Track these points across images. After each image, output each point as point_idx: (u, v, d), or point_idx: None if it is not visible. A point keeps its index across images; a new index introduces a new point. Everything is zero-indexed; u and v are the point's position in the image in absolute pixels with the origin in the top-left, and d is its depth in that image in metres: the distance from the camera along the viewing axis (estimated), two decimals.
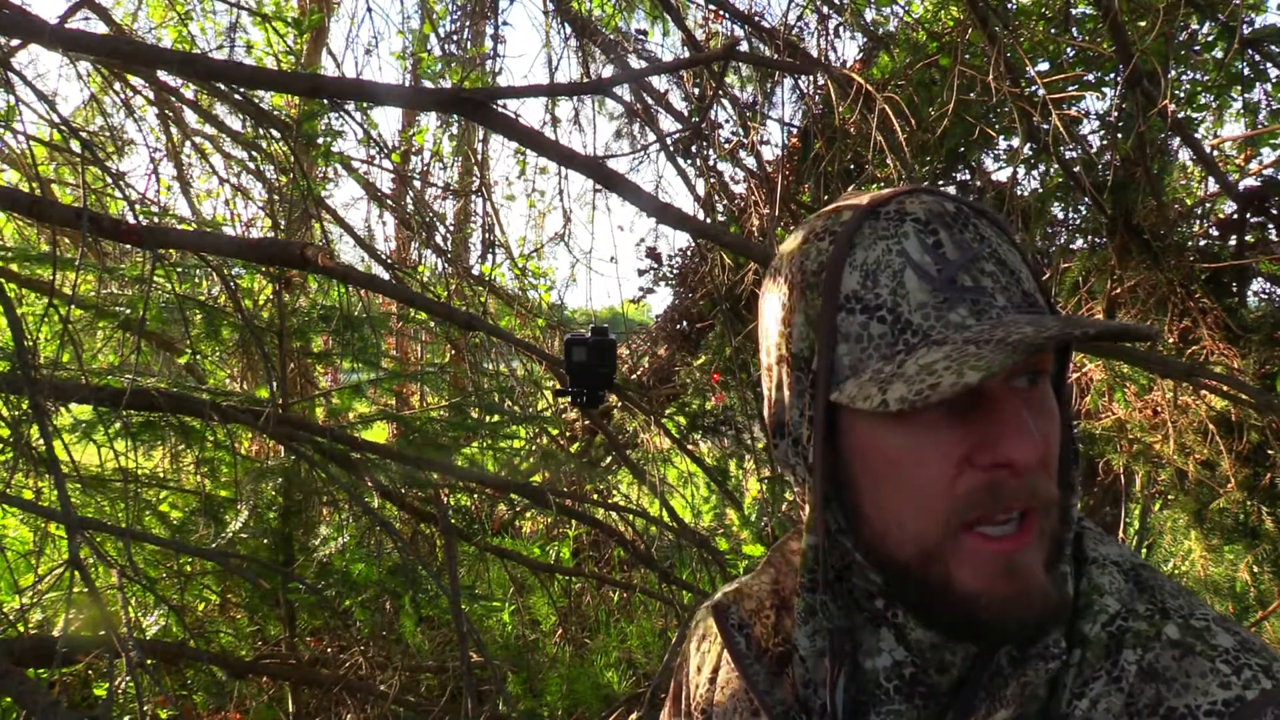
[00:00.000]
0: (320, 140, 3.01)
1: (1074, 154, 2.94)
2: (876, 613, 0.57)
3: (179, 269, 2.67)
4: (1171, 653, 0.50)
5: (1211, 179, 3.06)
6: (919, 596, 0.53)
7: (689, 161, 3.90)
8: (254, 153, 3.57)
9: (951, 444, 0.51)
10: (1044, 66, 3.05)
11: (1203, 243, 3.12)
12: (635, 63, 4.16)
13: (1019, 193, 3.33)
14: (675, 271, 4.59)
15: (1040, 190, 3.40)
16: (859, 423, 0.54)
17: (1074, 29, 3.11)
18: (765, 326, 0.62)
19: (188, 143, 3.87)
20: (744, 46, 3.36)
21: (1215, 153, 3.18)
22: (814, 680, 0.59)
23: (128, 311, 2.47)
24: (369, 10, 13.48)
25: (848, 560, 0.57)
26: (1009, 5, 3.20)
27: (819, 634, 0.59)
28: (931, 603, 0.53)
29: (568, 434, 4.46)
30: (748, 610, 0.66)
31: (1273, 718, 0.47)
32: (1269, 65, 2.85)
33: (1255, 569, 2.76)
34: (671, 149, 3.68)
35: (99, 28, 3.32)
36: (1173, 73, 2.77)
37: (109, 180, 2.62)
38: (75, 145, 2.47)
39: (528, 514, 4.59)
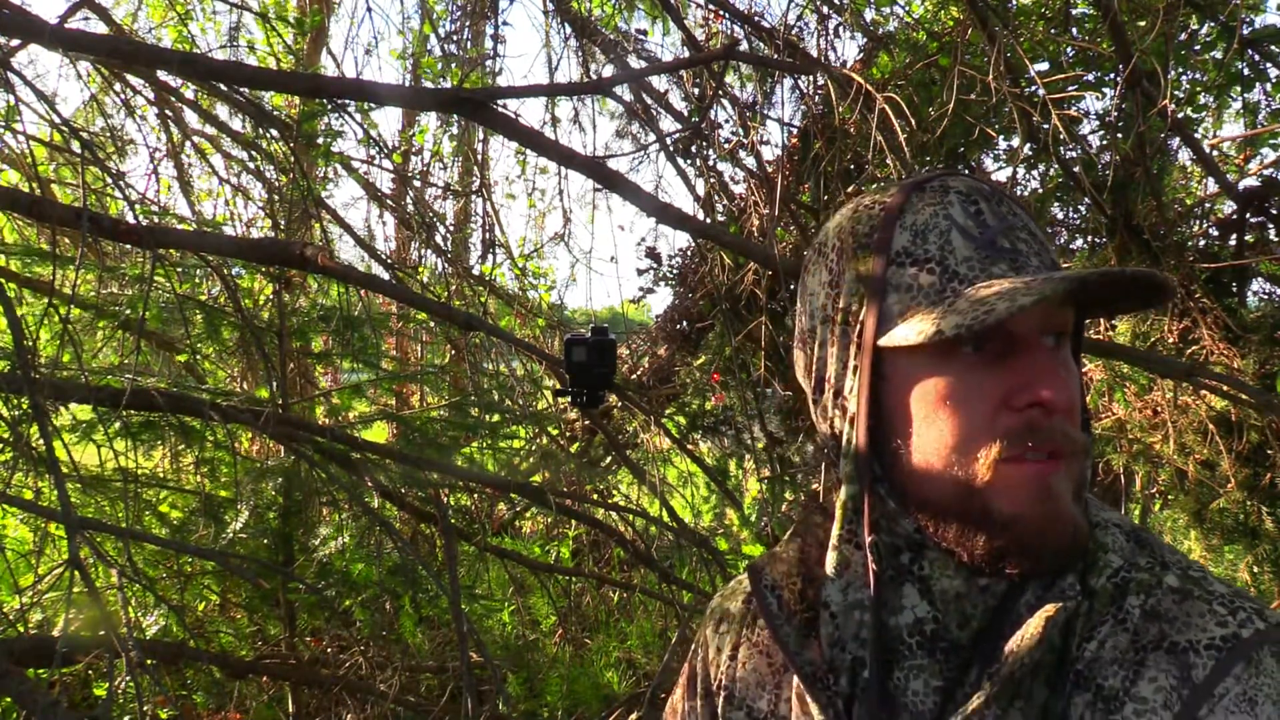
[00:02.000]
0: (320, 140, 3.01)
1: (1074, 154, 2.94)
2: (901, 568, 0.60)
3: (179, 269, 2.67)
4: (1172, 597, 0.54)
5: (1211, 179, 3.06)
6: (958, 533, 0.57)
7: (689, 161, 3.90)
8: (254, 153, 3.57)
9: (991, 386, 0.55)
10: (1044, 66, 3.05)
11: (1203, 243, 3.12)
12: (635, 63, 4.16)
13: (1019, 193, 3.33)
14: (675, 271, 4.59)
15: (1040, 190, 3.40)
16: (904, 367, 0.58)
17: (1074, 29, 3.11)
18: (809, 293, 0.66)
19: (188, 143, 3.87)
20: (744, 46, 3.36)
21: (1215, 153, 3.18)
22: (843, 637, 0.61)
23: (128, 311, 2.47)
24: (369, 10, 13.49)
25: (875, 515, 0.60)
26: (1009, 5, 3.20)
27: (852, 587, 0.61)
28: (973, 535, 0.56)
29: (568, 434, 4.46)
30: (779, 573, 0.68)
31: (1269, 654, 0.50)
32: (1269, 65, 2.85)
33: (1255, 569, 2.76)
34: (671, 149, 3.68)
35: (99, 28, 3.32)
36: (1173, 73, 2.77)
37: (109, 180, 2.62)
38: (75, 145, 2.47)
39: (528, 514, 4.59)
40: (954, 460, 0.56)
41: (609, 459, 4.44)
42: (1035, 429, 0.54)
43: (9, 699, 1.19)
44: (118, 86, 3.17)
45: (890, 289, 0.58)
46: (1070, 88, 2.73)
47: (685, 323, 4.43)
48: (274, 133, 2.86)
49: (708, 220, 3.63)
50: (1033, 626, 0.53)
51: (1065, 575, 0.56)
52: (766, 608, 0.66)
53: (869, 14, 3.62)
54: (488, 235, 4.74)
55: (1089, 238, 3.33)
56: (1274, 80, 2.92)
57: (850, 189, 3.31)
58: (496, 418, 3.00)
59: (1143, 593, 0.55)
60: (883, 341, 0.58)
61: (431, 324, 4.39)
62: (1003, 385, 0.55)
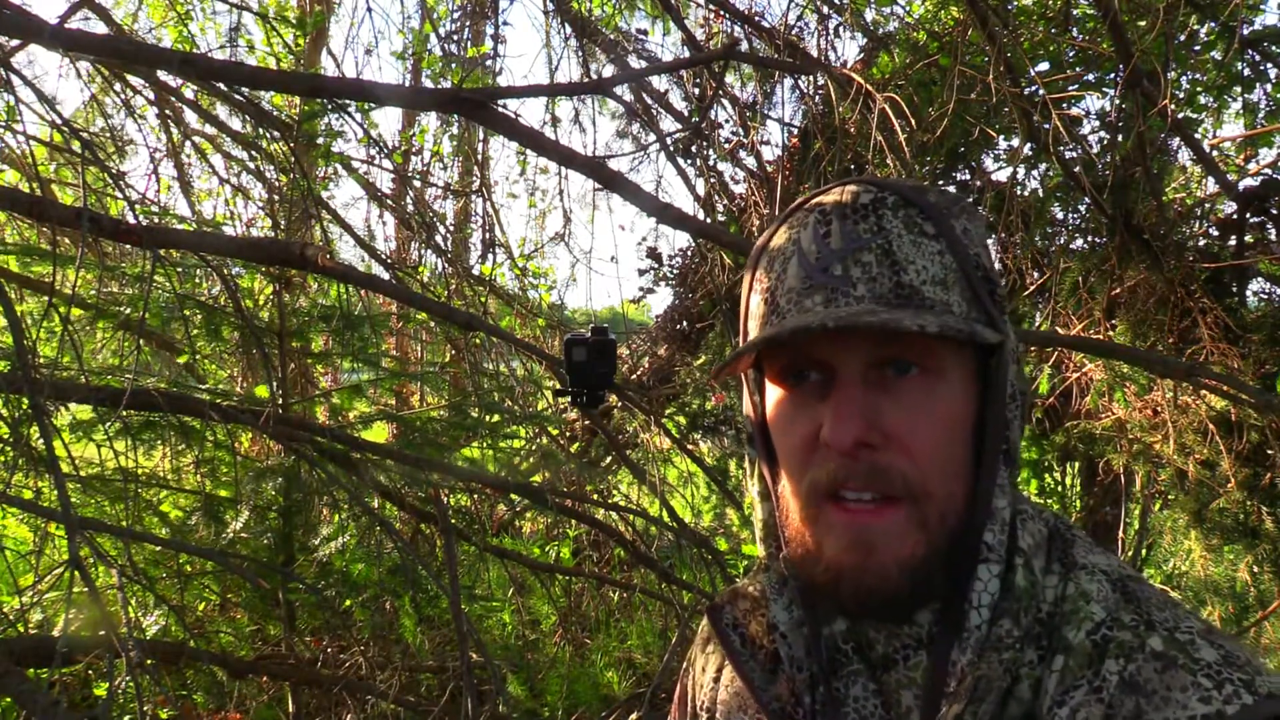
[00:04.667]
0: (320, 140, 3.01)
1: (1074, 154, 2.94)
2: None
3: (179, 269, 2.67)
4: (1154, 665, 0.50)
5: (1211, 179, 3.06)
6: (797, 559, 0.58)
7: (689, 161, 3.89)
8: (254, 153, 3.57)
9: (808, 419, 0.56)
10: (1044, 66, 3.05)
11: (1203, 243, 3.11)
12: (635, 62, 4.16)
13: (1019, 193, 3.33)
14: (675, 271, 4.59)
15: (1040, 190, 3.40)
16: (767, 390, 0.60)
17: (1074, 29, 3.11)
18: None
19: (188, 143, 3.87)
20: (744, 46, 3.36)
21: (1215, 153, 3.18)
22: (797, 656, 0.60)
23: (128, 311, 2.47)
24: (369, 10, 13.48)
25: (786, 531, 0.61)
26: (1009, 5, 3.20)
27: (794, 604, 0.61)
28: (804, 566, 0.57)
29: (568, 434, 4.46)
30: (742, 610, 0.68)
31: None
32: (1269, 65, 2.85)
33: (1255, 569, 2.76)
34: (671, 149, 3.68)
35: (99, 28, 3.32)
36: (1173, 73, 2.77)
37: (109, 180, 2.62)
38: (75, 145, 2.47)
39: (528, 514, 4.58)
40: (789, 486, 0.58)
41: (609, 459, 4.44)
42: (839, 469, 0.53)
43: (9, 699, 1.19)
44: (118, 86, 3.17)
45: (750, 314, 0.61)
46: (1070, 88, 2.73)
47: (685, 323, 4.43)
48: (274, 133, 2.86)
49: (708, 220, 3.63)
50: (964, 686, 0.52)
51: (1001, 622, 0.53)
52: (729, 646, 0.66)
53: (869, 14, 3.62)
54: (488, 235, 4.75)
55: (1089, 238, 3.33)
56: (1274, 80, 2.93)
57: None
58: (496, 418, 2.99)
59: (1123, 657, 0.51)
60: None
61: (431, 324, 4.39)
62: (818, 420, 0.55)
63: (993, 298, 0.57)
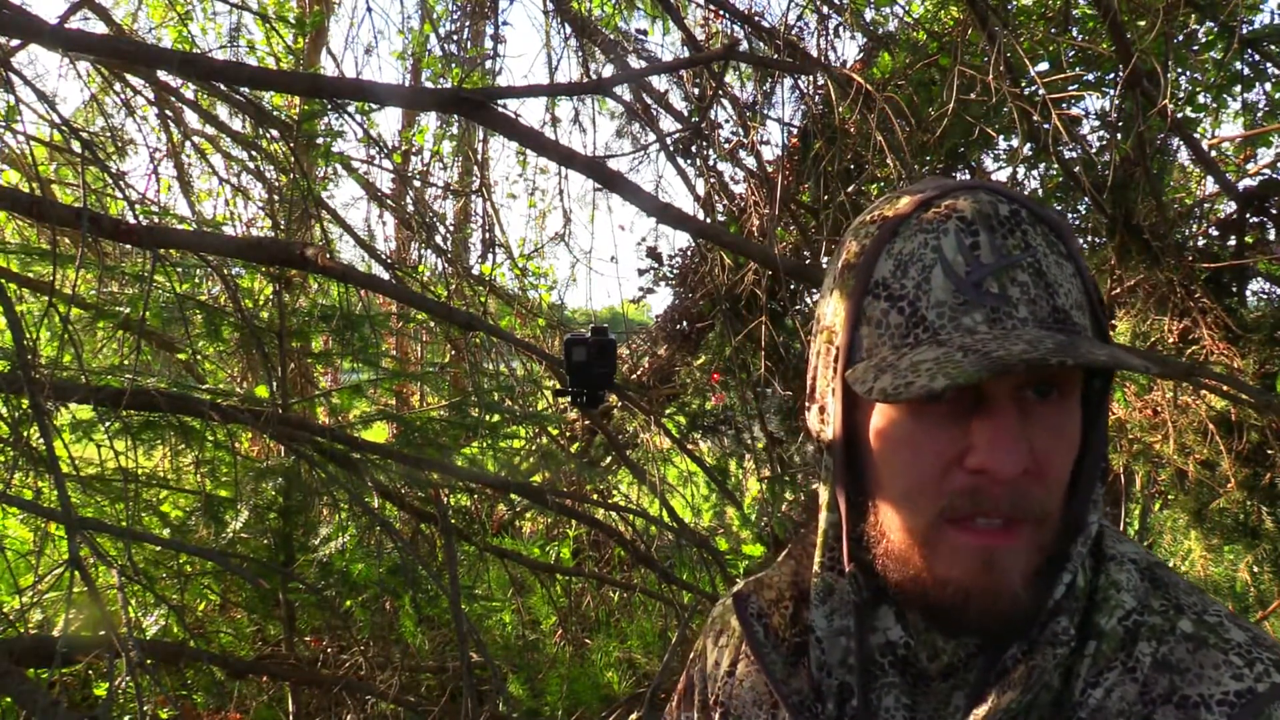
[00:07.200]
0: (320, 140, 3.01)
1: (1074, 154, 2.94)
2: (879, 590, 0.59)
3: (179, 269, 2.67)
4: (1185, 645, 0.52)
5: (1211, 179, 3.06)
6: (900, 578, 0.55)
7: (689, 161, 3.89)
8: (254, 153, 3.57)
9: (947, 441, 0.52)
10: (1044, 66, 3.05)
11: (1202, 243, 3.12)
12: (635, 62, 4.16)
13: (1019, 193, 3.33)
14: (675, 271, 4.59)
15: (1040, 190, 3.40)
16: (880, 407, 0.56)
17: (1074, 29, 3.11)
18: (820, 295, 0.64)
19: (188, 143, 3.87)
20: (744, 46, 3.36)
21: (1215, 153, 3.18)
22: (829, 662, 0.60)
23: (128, 311, 2.47)
24: (369, 10, 13.48)
25: (854, 542, 0.59)
26: (1009, 5, 3.20)
27: (837, 613, 0.60)
28: (909, 585, 0.55)
29: (568, 434, 4.46)
30: (767, 600, 0.68)
31: None
32: (1268, 65, 2.85)
33: (1255, 569, 2.76)
34: (671, 149, 3.68)
35: (99, 28, 3.32)
36: (1172, 73, 2.77)
37: (109, 180, 2.62)
38: (75, 145, 2.47)
39: (528, 514, 4.58)
40: (904, 507, 0.54)
41: (609, 459, 4.44)
42: (981, 495, 0.51)
43: (9, 699, 1.19)
44: (118, 86, 3.17)
45: (864, 320, 0.56)
46: (1070, 88, 2.73)
47: (685, 323, 4.43)
48: (274, 133, 2.86)
49: (708, 220, 3.63)
50: (1017, 675, 0.52)
51: (1058, 619, 0.53)
52: (753, 636, 0.65)
53: (869, 14, 3.62)
54: (488, 235, 4.75)
55: (1089, 238, 3.34)
56: (1273, 80, 2.93)
57: (850, 189, 3.32)
58: (496, 418, 2.99)
59: (1154, 639, 0.52)
60: (846, 375, 0.55)
61: (431, 324, 4.39)
62: (959, 442, 0.51)
63: (1104, 322, 0.56)
